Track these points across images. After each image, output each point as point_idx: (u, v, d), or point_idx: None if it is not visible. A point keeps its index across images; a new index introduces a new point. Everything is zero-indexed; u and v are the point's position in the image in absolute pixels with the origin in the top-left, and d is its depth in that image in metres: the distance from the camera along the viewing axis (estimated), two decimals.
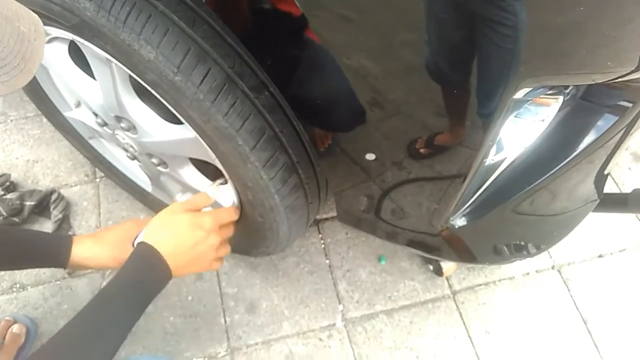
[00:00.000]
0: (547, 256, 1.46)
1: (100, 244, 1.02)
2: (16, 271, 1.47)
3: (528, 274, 1.44)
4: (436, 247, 0.91)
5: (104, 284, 0.98)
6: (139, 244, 0.92)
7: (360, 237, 1.51)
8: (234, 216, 1.04)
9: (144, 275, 0.90)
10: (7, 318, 1.37)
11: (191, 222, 0.95)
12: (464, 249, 0.90)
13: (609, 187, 1.59)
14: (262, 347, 1.36)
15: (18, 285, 1.47)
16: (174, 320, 1.39)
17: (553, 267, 1.45)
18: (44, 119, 1.71)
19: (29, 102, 1.71)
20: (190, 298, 1.43)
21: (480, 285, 1.43)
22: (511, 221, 0.87)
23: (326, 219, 1.54)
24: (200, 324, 1.39)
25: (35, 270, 1.48)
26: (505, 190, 0.80)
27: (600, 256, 1.47)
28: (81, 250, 1.01)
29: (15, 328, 1.34)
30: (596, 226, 1.50)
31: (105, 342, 0.83)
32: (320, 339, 1.37)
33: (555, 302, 1.40)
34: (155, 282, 0.91)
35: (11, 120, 1.74)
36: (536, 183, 0.78)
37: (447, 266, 1.38)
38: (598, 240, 1.49)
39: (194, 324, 1.39)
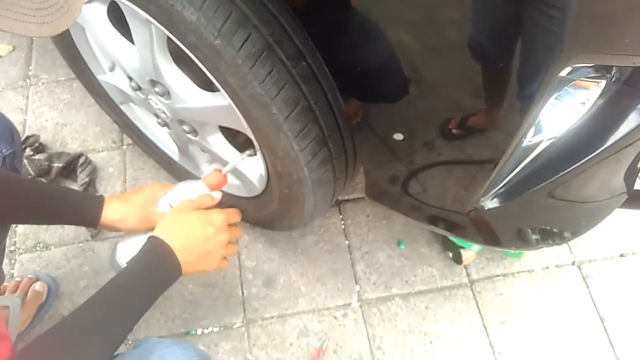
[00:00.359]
0: (567, 252, 1.45)
1: (127, 205, 1.04)
2: (40, 231, 1.50)
3: (547, 268, 1.43)
4: (461, 226, 0.91)
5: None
6: (150, 237, 0.93)
7: (381, 220, 1.51)
8: (239, 218, 1.06)
9: (155, 269, 0.91)
10: (29, 276, 1.40)
11: (202, 218, 0.97)
12: (489, 232, 0.90)
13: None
14: (277, 321, 1.37)
15: (42, 245, 1.49)
16: (193, 289, 1.41)
17: (573, 263, 1.44)
18: (75, 84, 1.74)
19: (61, 66, 1.75)
20: None
21: (498, 276, 1.42)
22: (541, 206, 0.87)
23: (348, 200, 1.54)
24: (218, 294, 1.41)
25: (59, 231, 1.50)
26: (539, 174, 0.79)
27: (622, 255, 1.45)
28: (110, 211, 1.02)
29: (37, 286, 1.37)
30: (620, 225, 1.48)
31: (112, 330, 0.83)
32: (335, 317, 1.38)
33: (573, 298, 1.40)
34: (165, 276, 0.92)
35: (42, 83, 1.76)
36: (571, 168, 0.77)
37: (467, 255, 1.37)
38: (621, 239, 1.47)
39: (212, 294, 1.41)
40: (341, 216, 1.52)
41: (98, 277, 1.44)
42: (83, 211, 1.02)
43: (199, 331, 1.36)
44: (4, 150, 1.07)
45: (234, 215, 1.03)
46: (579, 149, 0.77)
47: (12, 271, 1.46)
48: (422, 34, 0.74)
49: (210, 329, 1.36)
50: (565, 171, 0.78)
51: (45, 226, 1.51)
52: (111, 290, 0.86)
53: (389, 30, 0.75)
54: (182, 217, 0.97)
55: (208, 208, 1.02)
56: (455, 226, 0.92)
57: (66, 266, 1.46)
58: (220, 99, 0.96)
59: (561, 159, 0.77)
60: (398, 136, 0.90)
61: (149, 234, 0.94)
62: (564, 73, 0.63)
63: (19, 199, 0.99)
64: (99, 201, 1.02)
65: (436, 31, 0.73)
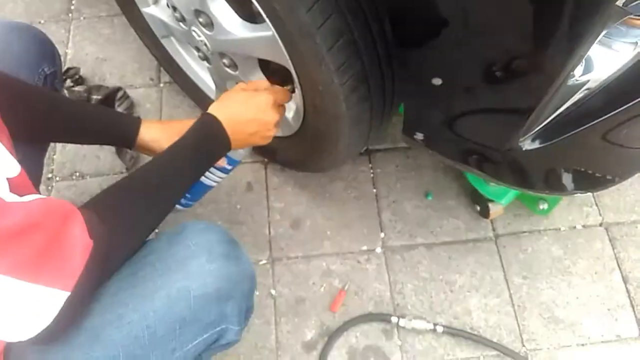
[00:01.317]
0: (596, 213, 1.45)
1: (166, 130, 1.07)
2: (77, 161, 1.55)
3: (574, 227, 1.44)
4: (496, 164, 0.91)
5: None
6: (202, 113, 1.00)
7: (410, 171, 1.53)
8: (288, 98, 1.11)
9: (204, 143, 0.97)
10: None
11: (251, 98, 1.03)
12: (523, 172, 0.90)
13: None
14: (301, 261, 1.41)
15: (78, 174, 1.54)
16: (222, 225, 1.45)
17: (601, 225, 1.44)
18: (116, 20, 1.76)
19: (103, 1, 1.77)
20: (239, 207, 1.48)
21: (524, 232, 1.43)
22: (582, 147, 0.86)
23: (378, 150, 1.55)
24: (246, 232, 1.45)
25: (95, 162, 1.55)
26: (583, 115, 0.79)
27: None
28: (148, 133, 1.06)
29: None
30: None
31: (167, 193, 0.90)
32: (359, 262, 1.41)
33: (598, 258, 1.40)
34: (215, 149, 0.99)
35: (84, 18, 1.79)
36: (618, 111, 0.77)
37: (495, 209, 1.38)
38: None
39: (240, 231, 1.45)
40: (370, 165, 1.54)
41: None
42: (121, 131, 1.06)
43: None
44: (45, 69, 1.10)
45: (283, 95, 1.08)
46: (627, 91, 0.76)
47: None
48: None
49: None
50: (611, 114, 0.77)
51: (82, 155, 1.55)
52: (166, 159, 0.92)
53: None
54: (233, 95, 1.04)
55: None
56: (488, 163, 0.92)
57: None
58: (264, 31, 0.97)
59: (608, 101, 0.77)
60: (436, 81, 0.90)
61: None
62: (619, 2, 0.62)
63: (59, 116, 1.02)
64: (137, 121, 1.06)
65: None
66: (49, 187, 1.53)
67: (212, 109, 0.99)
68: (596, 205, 1.46)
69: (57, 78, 1.14)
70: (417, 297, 1.36)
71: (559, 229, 1.43)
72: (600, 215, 1.45)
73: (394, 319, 1.31)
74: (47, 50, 1.11)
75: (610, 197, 1.47)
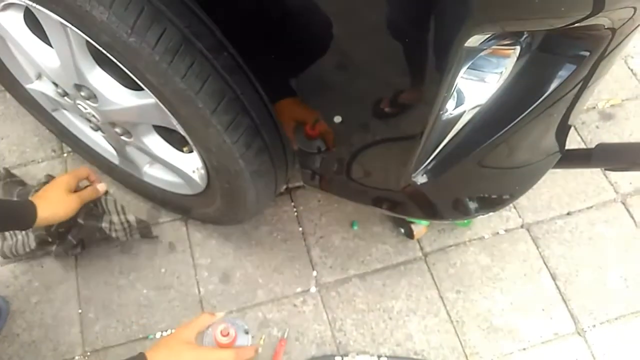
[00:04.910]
0: (516, 215, 1.49)
1: (50, 202, 1.15)
2: None
3: (497, 233, 1.46)
4: (401, 204, 0.91)
5: None
6: (139, 354, 0.96)
7: (333, 204, 1.52)
8: (253, 354, 1.10)
9: None
10: None
11: (202, 352, 1.02)
12: (428, 206, 0.91)
13: (577, 146, 1.61)
14: (236, 315, 1.37)
15: None
16: (148, 293, 1.39)
17: (522, 226, 1.48)
18: (8, 95, 1.67)
19: None
20: (163, 270, 1.43)
21: (450, 246, 1.45)
22: (473, 175, 0.88)
23: (298, 187, 1.54)
24: (174, 296, 1.39)
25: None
26: (465, 145, 0.80)
27: (568, 214, 1.49)
28: (41, 212, 1.12)
29: None
30: (563, 184, 1.52)
31: None
32: (295, 305, 1.38)
33: (524, 259, 1.43)
34: None
35: None
36: (497, 136, 0.78)
37: (418, 229, 1.39)
38: (566, 197, 1.51)
39: (168, 296, 1.39)
40: (293, 203, 1.52)
41: (49, 292, 1.40)
42: (21, 218, 1.10)
43: (158, 334, 1.34)
44: None
45: (248, 352, 1.07)
46: (501, 117, 0.78)
47: None
48: (342, 17, 0.73)
49: (169, 331, 1.35)
50: (491, 139, 0.79)
51: None
52: None
53: (308, 18, 0.74)
54: (181, 357, 0.99)
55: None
56: (395, 204, 0.93)
57: (15, 283, 1.42)
58: (147, 98, 0.94)
59: (485, 129, 0.79)
60: (338, 118, 0.90)
61: None
62: (473, 42, 0.64)
63: None
64: (33, 206, 1.11)
65: (354, 13, 0.72)
66: None
67: (151, 353, 0.96)
68: (514, 208, 1.50)
69: None
70: (358, 331, 1.35)
71: (483, 237, 1.46)
72: (519, 217, 1.49)
73: (337, 359, 1.29)
74: None
75: (527, 197, 1.50)
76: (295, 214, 1.51)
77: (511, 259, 1.43)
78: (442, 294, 1.39)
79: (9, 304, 1.38)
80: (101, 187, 1.31)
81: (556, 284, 1.40)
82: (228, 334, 1.07)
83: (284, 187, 1.51)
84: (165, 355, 0.98)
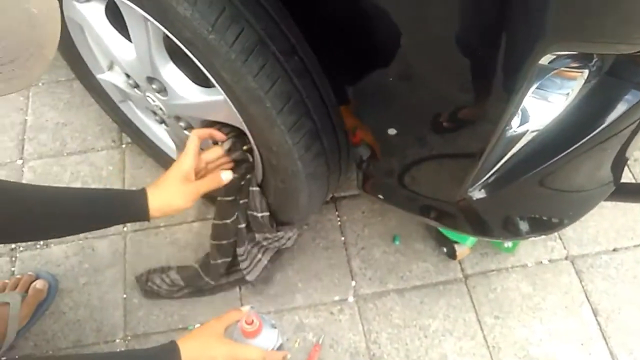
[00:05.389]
0: (561, 247, 1.47)
1: (163, 190, 1.03)
2: None
3: (541, 262, 1.45)
4: (452, 216, 0.93)
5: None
6: (170, 342, 0.99)
7: (377, 216, 1.53)
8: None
9: None
10: (29, 273, 1.42)
11: (235, 347, 1.04)
12: (478, 221, 0.92)
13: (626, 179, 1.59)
14: (274, 317, 1.39)
15: (42, 243, 1.51)
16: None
17: (566, 258, 1.46)
18: (75, 84, 1.76)
19: (61, 67, 1.76)
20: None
21: (492, 270, 1.44)
22: (529, 194, 0.88)
23: (344, 197, 1.56)
24: (216, 294, 1.42)
25: None
26: (526, 164, 0.81)
27: (614, 250, 1.47)
28: (152, 201, 1.02)
29: (38, 284, 1.39)
30: (611, 219, 1.50)
31: None
32: (332, 313, 1.40)
33: (566, 292, 1.41)
34: None
35: (42, 84, 1.79)
36: (557, 158, 0.79)
37: (461, 250, 1.39)
38: (613, 233, 1.49)
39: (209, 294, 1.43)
40: (337, 213, 1.54)
41: (97, 274, 1.46)
42: (132, 209, 1.01)
43: (197, 326, 1.37)
44: None
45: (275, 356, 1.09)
46: (564, 139, 0.79)
47: (12, 269, 1.48)
48: (412, 29, 0.76)
49: None
50: (551, 161, 0.80)
51: None
52: None
53: (378, 27, 0.77)
54: (210, 350, 1.00)
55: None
56: (445, 216, 0.94)
57: (66, 263, 1.48)
58: (216, 95, 0.98)
59: (547, 149, 0.79)
60: (392, 131, 0.92)
61: None
62: (543, 61, 0.65)
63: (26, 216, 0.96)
64: (143, 194, 1.02)
65: (425, 27, 0.75)
66: (13, 258, 1.50)
67: (182, 343, 0.98)
68: (560, 238, 1.48)
69: None
70: (393, 346, 1.35)
71: (526, 265, 1.45)
72: (565, 248, 1.47)
73: None
74: None
75: (573, 229, 1.49)
76: (339, 223, 1.53)
77: (553, 290, 1.41)
78: (480, 318, 1.38)
79: (58, 283, 1.44)
80: (225, 175, 1.09)
81: (597, 320, 1.37)
82: (252, 322, 1.08)
83: (331, 196, 1.54)
84: (196, 346, 1.00)
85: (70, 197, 1.04)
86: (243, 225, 1.23)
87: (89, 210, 1.01)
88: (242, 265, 1.30)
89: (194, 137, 1.06)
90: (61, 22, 0.49)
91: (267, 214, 1.20)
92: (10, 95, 1.62)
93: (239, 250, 1.27)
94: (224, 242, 1.26)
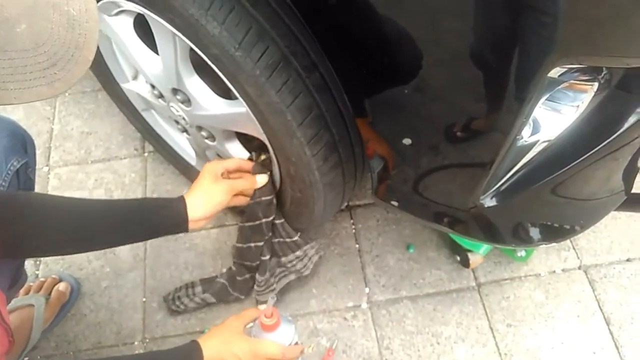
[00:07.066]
0: (574, 256, 1.49)
1: (197, 195, 1.05)
2: None
3: (554, 272, 1.47)
4: (464, 223, 0.95)
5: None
6: (192, 341, 1.01)
7: (391, 225, 1.56)
8: (299, 354, 1.12)
9: None
10: (53, 276, 1.46)
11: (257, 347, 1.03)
12: (490, 228, 0.95)
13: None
14: None
15: None
16: None
17: (580, 267, 1.48)
18: (100, 95, 1.82)
19: (86, 78, 1.81)
20: (224, 270, 1.50)
21: (505, 279, 1.46)
22: (541, 202, 0.91)
23: (359, 205, 1.59)
24: (231, 299, 1.46)
25: None
26: (536, 173, 0.84)
27: (628, 260, 1.48)
28: (191, 210, 1.03)
29: (61, 286, 1.43)
30: (625, 229, 1.52)
31: None
32: (345, 318, 1.43)
33: (579, 301, 1.43)
34: None
35: (69, 94, 1.85)
36: (568, 167, 0.82)
37: (474, 258, 1.41)
38: (627, 243, 1.50)
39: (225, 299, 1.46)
40: (352, 221, 1.58)
41: (119, 278, 1.50)
42: (172, 221, 1.02)
43: None
44: (15, 164, 1.03)
45: (296, 352, 1.09)
46: (575, 149, 0.82)
47: (36, 272, 1.53)
48: (428, 45, 0.79)
49: None
50: (562, 170, 0.83)
51: None
52: None
53: (396, 43, 0.81)
54: (231, 347, 1.02)
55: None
56: (456, 222, 0.97)
57: (88, 267, 1.52)
58: (238, 107, 1.02)
59: (557, 159, 0.82)
60: (407, 141, 0.96)
61: None
62: (553, 74, 0.69)
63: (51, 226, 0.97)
64: (182, 204, 1.03)
65: (440, 42, 0.79)
66: (37, 262, 1.55)
67: (203, 341, 1.01)
68: (573, 248, 1.50)
69: (29, 167, 1.08)
70: (405, 352, 1.38)
71: (539, 274, 1.47)
72: (578, 258, 1.49)
73: None
74: (15, 144, 1.04)
75: (587, 239, 1.51)
76: (354, 231, 1.56)
77: (566, 299, 1.43)
78: (493, 325, 1.40)
79: (80, 286, 1.49)
80: (261, 178, 1.12)
81: (609, 329, 1.39)
82: (272, 314, 1.09)
83: (346, 204, 1.57)
84: (216, 343, 1.02)
85: (120, 208, 1.06)
86: (267, 257, 1.30)
87: (136, 220, 1.03)
88: (257, 289, 1.37)
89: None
90: None
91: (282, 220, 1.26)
92: (38, 104, 1.66)
93: (259, 278, 1.34)
94: (247, 263, 1.34)
